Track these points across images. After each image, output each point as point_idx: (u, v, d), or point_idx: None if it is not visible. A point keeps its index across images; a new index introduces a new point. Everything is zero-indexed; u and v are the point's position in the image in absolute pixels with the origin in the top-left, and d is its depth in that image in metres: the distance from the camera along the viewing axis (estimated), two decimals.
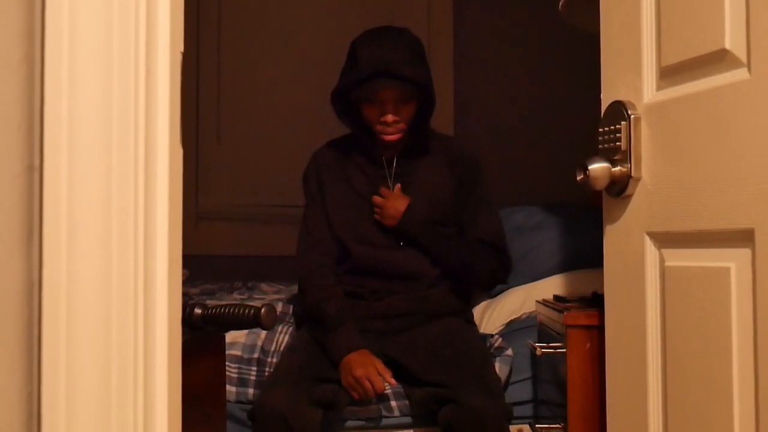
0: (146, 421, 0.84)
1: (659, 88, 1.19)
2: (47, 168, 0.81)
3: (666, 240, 1.18)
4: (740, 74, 1.03)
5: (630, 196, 1.24)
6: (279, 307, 2.30)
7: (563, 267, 2.31)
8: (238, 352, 2.08)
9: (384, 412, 1.93)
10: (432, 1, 3.60)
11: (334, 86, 2.01)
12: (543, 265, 2.34)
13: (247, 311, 1.11)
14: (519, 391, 2.08)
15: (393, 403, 1.93)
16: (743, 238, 1.01)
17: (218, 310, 1.12)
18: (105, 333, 0.82)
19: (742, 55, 1.02)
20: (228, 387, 2.02)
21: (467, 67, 3.58)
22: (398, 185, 2.05)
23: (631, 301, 1.25)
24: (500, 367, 2.02)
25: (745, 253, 1.02)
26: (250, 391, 2.05)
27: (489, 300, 2.36)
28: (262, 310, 1.11)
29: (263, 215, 3.53)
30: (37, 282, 0.81)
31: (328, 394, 1.83)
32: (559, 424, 1.72)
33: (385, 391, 1.90)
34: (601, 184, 1.26)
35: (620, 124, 1.23)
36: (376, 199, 2.03)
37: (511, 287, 2.32)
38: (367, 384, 1.83)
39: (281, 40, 3.57)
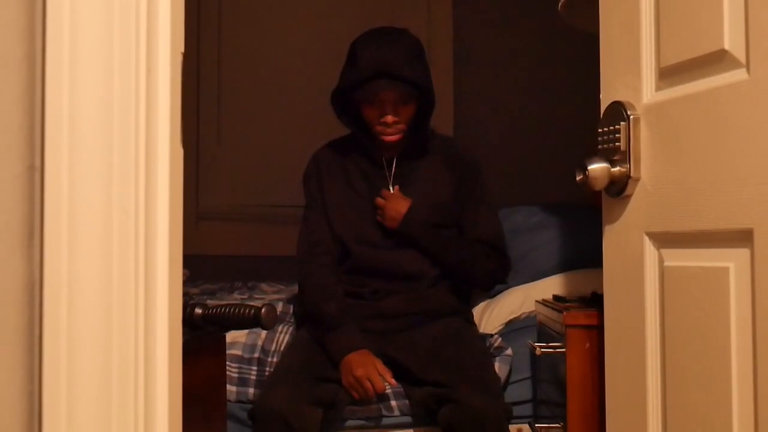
0: (147, 420, 0.85)
1: (658, 88, 1.19)
2: (48, 168, 0.82)
3: (665, 240, 1.18)
4: (739, 75, 1.03)
5: (629, 197, 1.25)
6: (279, 306, 2.30)
7: (562, 267, 2.31)
8: (239, 352, 2.09)
9: (384, 412, 1.93)
10: (432, 1, 3.60)
11: (334, 87, 2.01)
12: (542, 265, 2.34)
13: (247, 311, 1.11)
14: (518, 391, 2.08)
15: (393, 403, 1.93)
16: (742, 238, 1.02)
17: (219, 309, 1.12)
18: (106, 333, 0.83)
19: (741, 56, 1.03)
20: (228, 386, 2.02)
21: (467, 67, 3.58)
22: (397, 186, 2.05)
23: (630, 301, 1.25)
24: (500, 367, 2.02)
25: (743, 253, 1.02)
26: (251, 390, 2.05)
27: (488, 300, 2.37)
28: (263, 309, 1.11)
29: (263, 215, 3.53)
30: (38, 282, 0.81)
31: (329, 394, 1.83)
32: (559, 424, 1.72)
33: (385, 391, 1.90)
34: (600, 185, 1.26)
35: (619, 125, 1.23)
36: (378, 200, 2.03)
37: (511, 287, 2.32)
38: (368, 384, 1.83)
39: (281, 41, 3.58)
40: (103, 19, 0.83)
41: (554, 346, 1.71)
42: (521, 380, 2.10)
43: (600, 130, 1.29)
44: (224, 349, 1.31)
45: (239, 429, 1.95)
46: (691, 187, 1.11)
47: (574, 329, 1.62)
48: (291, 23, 3.58)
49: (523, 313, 2.24)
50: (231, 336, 2.02)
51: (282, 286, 2.90)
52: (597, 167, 1.24)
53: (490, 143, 3.36)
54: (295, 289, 2.39)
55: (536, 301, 2.08)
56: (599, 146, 1.29)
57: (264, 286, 2.94)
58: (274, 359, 2.07)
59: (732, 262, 1.04)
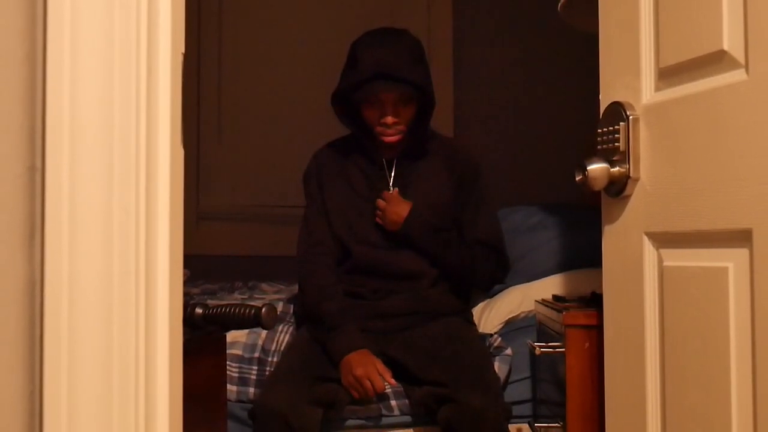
0: (147, 419, 0.85)
1: (657, 89, 1.19)
2: (49, 168, 0.82)
3: (664, 240, 1.18)
4: (738, 75, 1.03)
5: (628, 197, 1.25)
6: (279, 306, 2.30)
7: (562, 267, 2.31)
8: (239, 352, 2.09)
9: (384, 412, 1.93)
10: (432, 2, 3.61)
11: (335, 87, 2.01)
12: (542, 265, 2.34)
13: (247, 311, 1.12)
14: (518, 391, 2.08)
15: (393, 403, 1.94)
16: (741, 238, 1.02)
17: (219, 309, 1.12)
18: (106, 332, 0.83)
19: (740, 56, 1.03)
20: (229, 386, 2.02)
21: (467, 68, 3.58)
22: (396, 189, 2.05)
23: (629, 301, 1.25)
24: (499, 367, 2.02)
25: (743, 253, 1.02)
26: (251, 390, 2.05)
27: (488, 300, 2.37)
28: (263, 309, 1.12)
29: (264, 215, 3.53)
30: (39, 282, 0.82)
31: (329, 394, 1.83)
32: (558, 423, 1.72)
33: (385, 391, 1.90)
34: (599, 185, 1.26)
35: (619, 125, 1.23)
36: (379, 202, 2.04)
37: (510, 287, 2.33)
38: (367, 383, 1.83)
39: (282, 41, 3.58)
40: (104, 20, 0.84)
41: (554, 346, 1.71)
42: (521, 380, 2.10)
43: (599, 131, 1.30)
44: (225, 349, 1.31)
45: (239, 428, 1.96)
46: (691, 188, 1.11)
47: (573, 329, 1.62)
48: (291, 23, 3.59)
49: (522, 312, 2.24)
50: (231, 336, 2.02)
51: (282, 286, 2.90)
52: (596, 167, 1.25)
53: (489, 143, 3.37)
54: (295, 289, 2.39)
55: (536, 300, 2.08)
56: (599, 146, 1.29)
57: (264, 286, 2.94)
58: (275, 359, 2.07)
59: (731, 262, 1.04)
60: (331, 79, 2.06)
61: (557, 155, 3.01)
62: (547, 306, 1.89)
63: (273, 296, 2.66)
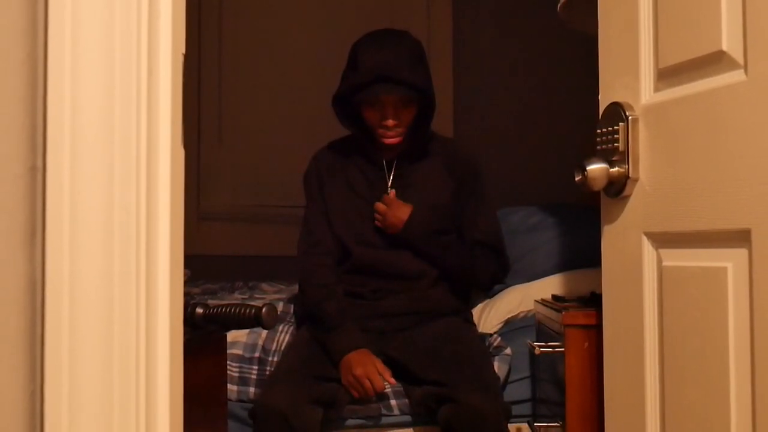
0: (148, 419, 0.85)
1: (657, 89, 1.20)
2: (50, 169, 0.82)
3: (663, 240, 1.19)
4: (737, 76, 1.03)
5: (628, 197, 1.25)
6: (280, 306, 2.31)
7: (561, 267, 2.32)
8: (240, 351, 2.09)
9: (384, 411, 1.94)
10: (432, 3, 3.61)
11: (335, 89, 2.01)
12: (541, 265, 2.35)
13: (248, 311, 1.12)
14: (518, 390, 2.09)
15: (393, 402, 1.94)
16: (740, 238, 1.02)
17: (219, 309, 1.12)
18: (107, 332, 0.83)
19: (739, 57, 1.03)
20: (229, 386, 2.02)
21: (467, 69, 3.58)
22: (393, 191, 2.05)
23: (628, 301, 1.25)
24: (499, 366, 2.03)
25: (742, 253, 1.02)
26: (251, 390, 2.05)
27: (487, 300, 2.37)
28: (263, 309, 1.12)
29: (264, 215, 3.54)
30: (40, 281, 0.82)
31: (329, 393, 1.84)
32: (558, 423, 1.73)
33: (385, 390, 1.90)
34: (599, 185, 1.26)
35: (618, 125, 1.23)
36: (379, 206, 2.04)
37: (509, 286, 2.33)
38: (367, 383, 1.84)
39: (282, 41, 3.58)
40: (105, 21, 0.84)
41: (553, 346, 1.72)
42: (520, 379, 2.10)
43: (599, 131, 1.30)
44: (225, 349, 1.31)
45: (240, 428, 1.96)
46: (690, 188, 1.11)
47: (572, 329, 1.63)
48: (291, 24, 3.59)
49: (521, 312, 2.24)
50: (232, 335, 2.02)
51: (282, 286, 2.91)
52: (596, 168, 1.25)
53: (489, 143, 3.36)
54: (295, 288, 2.40)
55: (535, 300, 2.08)
56: (598, 147, 1.29)
57: (264, 285, 2.94)
58: (275, 359, 2.08)
59: (730, 262, 1.04)
60: (331, 79, 2.06)
61: (557, 155, 3.01)
62: (546, 306, 1.89)
63: (273, 296, 2.67)
